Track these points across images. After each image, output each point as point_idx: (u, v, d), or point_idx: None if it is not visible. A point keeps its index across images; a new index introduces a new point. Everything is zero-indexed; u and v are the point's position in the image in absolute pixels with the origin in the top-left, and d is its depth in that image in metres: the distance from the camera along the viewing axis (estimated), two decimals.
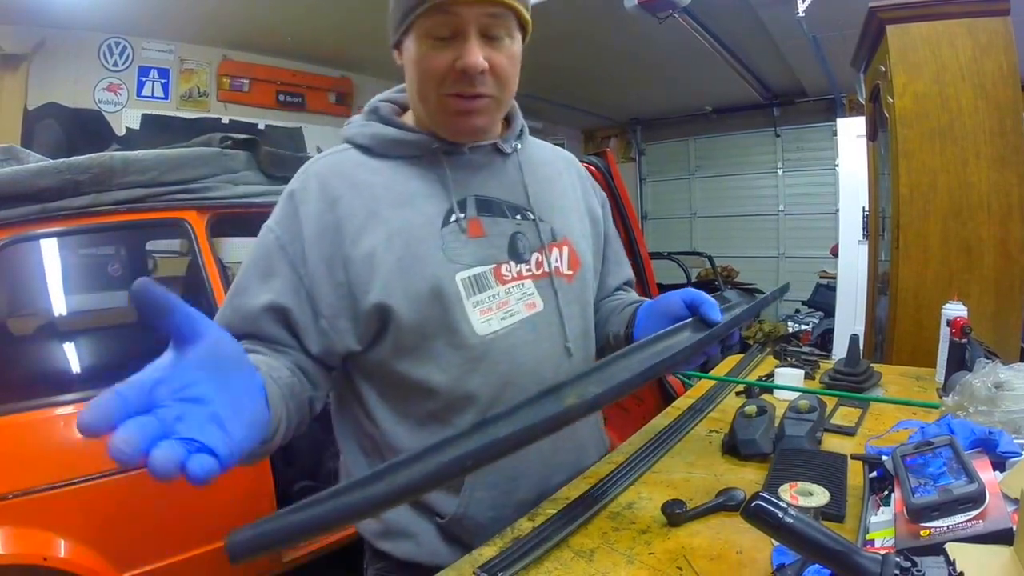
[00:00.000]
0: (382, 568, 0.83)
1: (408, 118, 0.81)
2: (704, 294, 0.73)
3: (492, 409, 0.74)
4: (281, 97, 4.67)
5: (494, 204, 0.80)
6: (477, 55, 0.68)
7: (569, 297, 0.82)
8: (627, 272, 1.00)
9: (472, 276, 0.75)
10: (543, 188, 0.85)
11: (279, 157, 2.03)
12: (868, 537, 0.66)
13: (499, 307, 0.76)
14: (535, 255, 0.80)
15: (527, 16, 0.73)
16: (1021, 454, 0.69)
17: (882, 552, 0.47)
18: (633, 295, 0.98)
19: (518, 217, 0.81)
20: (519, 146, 0.84)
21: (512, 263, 0.78)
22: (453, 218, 0.76)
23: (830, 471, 0.81)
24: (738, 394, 1.33)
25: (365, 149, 0.79)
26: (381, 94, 0.84)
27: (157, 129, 3.96)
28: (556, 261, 0.82)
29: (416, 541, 0.78)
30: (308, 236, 0.72)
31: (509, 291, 0.77)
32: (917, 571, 0.44)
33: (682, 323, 0.71)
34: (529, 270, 0.79)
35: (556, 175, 0.89)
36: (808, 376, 1.38)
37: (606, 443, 0.96)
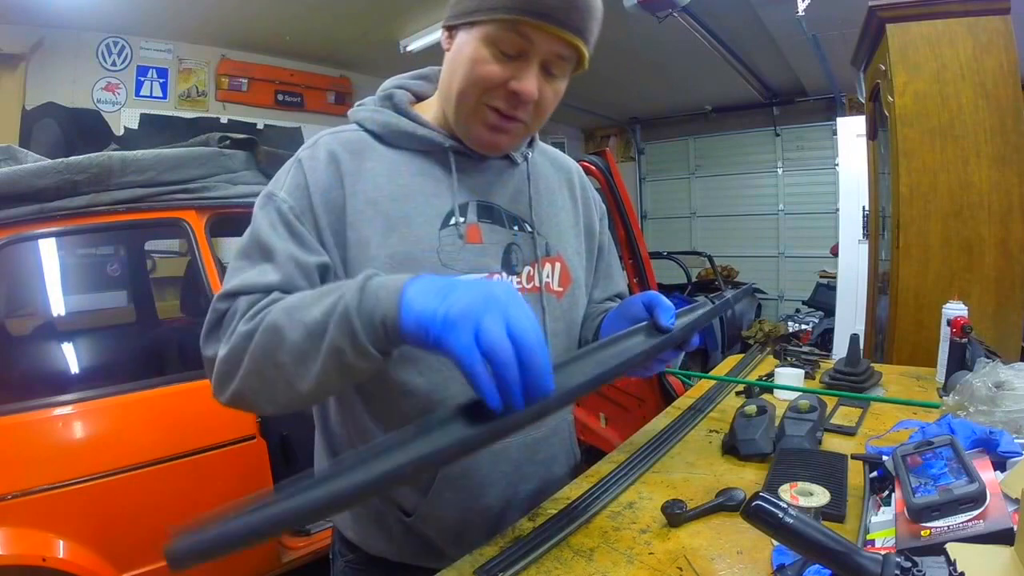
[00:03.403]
0: (352, 560, 0.83)
1: (424, 108, 0.79)
2: (661, 297, 0.71)
3: None
4: (280, 97, 4.67)
5: (495, 212, 0.79)
6: (534, 84, 0.68)
7: (556, 314, 0.81)
8: (617, 286, 0.97)
9: None
10: (544, 201, 0.84)
11: (277, 157, 2.03)
12: (869, 537, 0.66)
13: None
14: (527, 268, 0.79)
15: (588, 59, 0.72)
16: (1022, 454, 0.68)
17: (883, 552, 0.47)
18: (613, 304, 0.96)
19: (515, 228, 0.80)
20: (530, 155, 0.84)
21: (504, 274, 0.77)
22: (452, 221, 0.75)
23: (830, 471, 0.81)
24: (738, 394, 1.33)
25: (374, 135, 0.77)
26: (396, 78, 0.82)
27: (155, 129, 3.96)
28: (548, 276, 0.81)
29: (384, 537, 0.79)
30: (317, 205, 0.70)
31: None
32: (918, 571, 0.44)
33: (637, 326, 0.69)
34: (520, 283, 0.78)
35: (558, 188, 0.88)
36: (808, 376, 1.38)
37: (577, 455, 0.95)
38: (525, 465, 0.82)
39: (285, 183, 0.72)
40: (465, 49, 0.70)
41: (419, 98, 0.81)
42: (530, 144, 0.84)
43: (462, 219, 0.75)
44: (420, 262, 0.72)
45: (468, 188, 0.77)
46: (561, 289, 0.82)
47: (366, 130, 0.78)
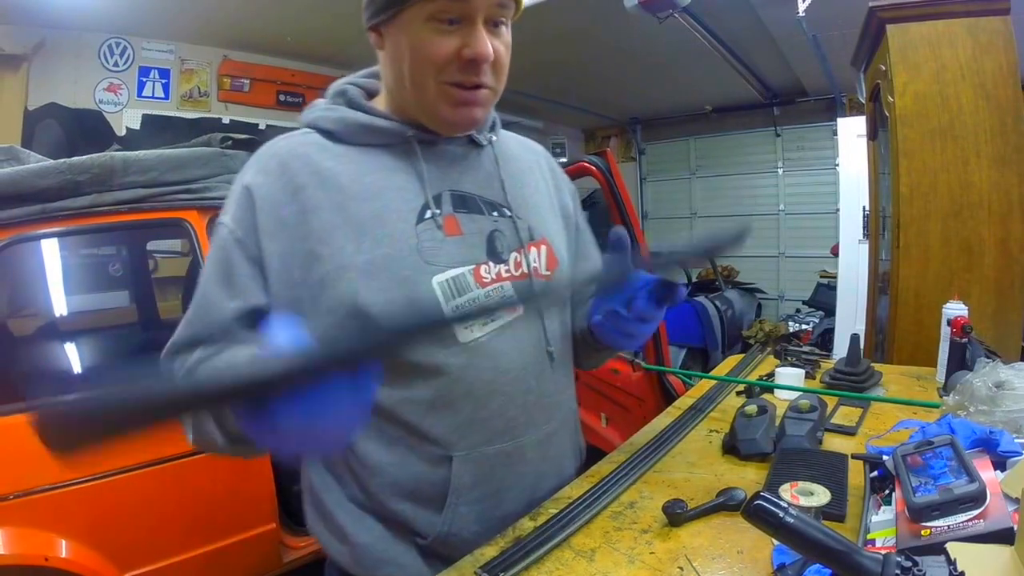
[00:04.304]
0: None
1: (378, 103, 0.76)
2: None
3: (477, 416, 0.71)
4: (282, 97, 4.67)
5: (470, 200, 0.75)
6: (487, 44, 0.65)
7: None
8: (596, 265, 0.93)
9: (450, 279, 0.70)
10: (518, 184, 0.81)
11: None
12: (869, 537, 0.66)
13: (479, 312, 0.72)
14: (513, 255, 0.75)
15: (522, 2, 0.71)
16: (1022, 453, 0.69)
17: (883, 552, 0.47)
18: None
19: (495, 214, 0.76)
20: (494, 138, 0.80)
21: (491, 263, 0.73)
22: (428, 215, 0.71)
23: (831, 471, 0.81)
24: (739, 394, 1.33)
25: (328, 134, 0.73)
26: (346, 77, 0.79)
27: (157, 129, 3.96)
28: (535, 261, 0.77)
29: (398, 566, 0.73)
30: (263, 226, 0.68)
31: (489, 294, 0.72)
32: (918, 571, 0.44)
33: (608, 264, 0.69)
34: (508, 271, 0.74)
35: (528, 170, 0.84)
36: (809, 376, 1.38)
37: (583, 450, 0.93)
38: (541, 464, 0.79)
39: (232, 207, 0.71)
40: (403, 39, 0.67)
41: (371, 95, 0.78)
42: (492, 128, 0.81)
43: (438, 211, 0.72)
44: (401, 263, 0.68)
45: (438, 178, 0.73)
46: (549, 273, 0.79)
47: (320, 130, 0.74)
